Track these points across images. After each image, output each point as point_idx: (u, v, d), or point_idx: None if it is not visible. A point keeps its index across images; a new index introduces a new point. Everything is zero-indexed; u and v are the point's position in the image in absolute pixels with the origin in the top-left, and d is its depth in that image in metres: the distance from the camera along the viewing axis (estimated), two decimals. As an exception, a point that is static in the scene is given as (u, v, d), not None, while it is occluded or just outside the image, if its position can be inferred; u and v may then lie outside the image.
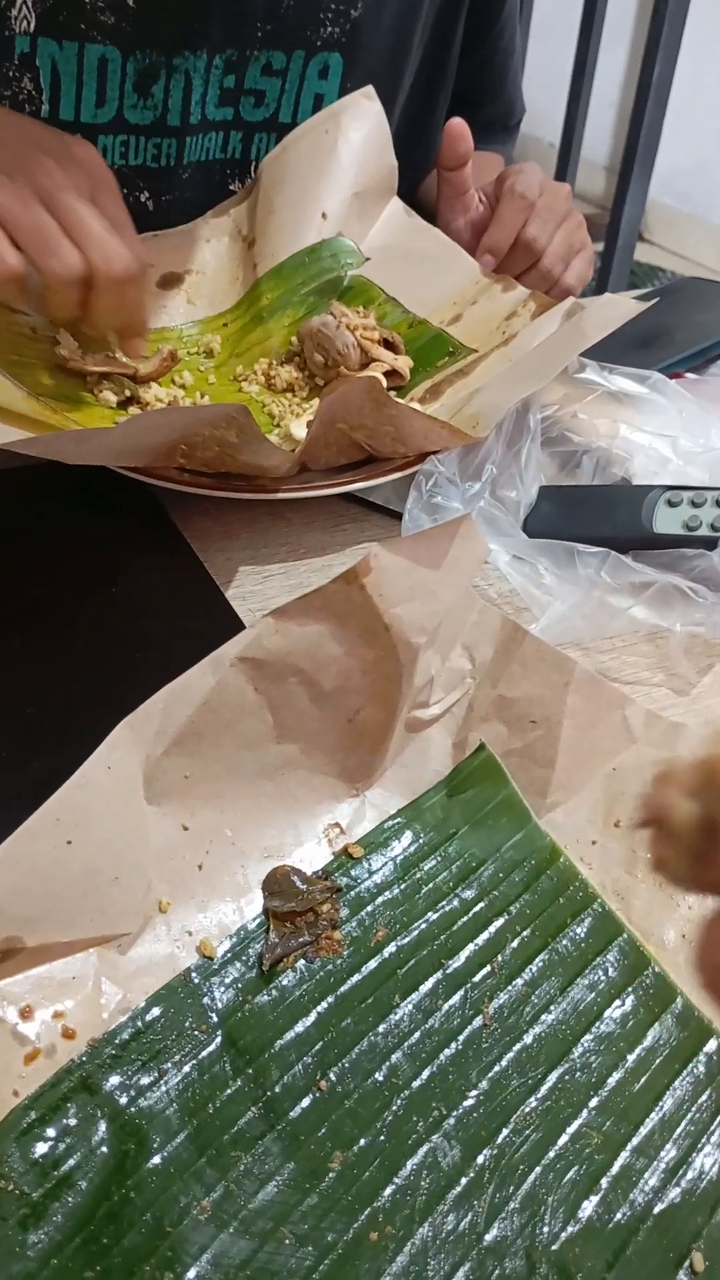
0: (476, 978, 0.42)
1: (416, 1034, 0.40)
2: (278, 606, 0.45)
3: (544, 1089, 0.39)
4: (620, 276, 2.29)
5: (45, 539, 0.61)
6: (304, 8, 0.81)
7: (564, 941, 0.43)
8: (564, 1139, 0.38)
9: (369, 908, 0.43)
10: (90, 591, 0.58)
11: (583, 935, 0.43)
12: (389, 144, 0.85)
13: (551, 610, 0.57)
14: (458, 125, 0.81)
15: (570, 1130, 0.38)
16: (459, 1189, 0.36)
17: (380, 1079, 0.39)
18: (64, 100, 0.78)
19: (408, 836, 0.46)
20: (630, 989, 0.42)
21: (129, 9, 0.75)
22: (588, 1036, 0.40)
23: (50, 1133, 0.37)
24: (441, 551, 0.46)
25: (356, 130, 0.84)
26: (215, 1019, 0.40)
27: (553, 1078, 0.39)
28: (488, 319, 0.79)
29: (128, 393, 0.72)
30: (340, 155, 0.84)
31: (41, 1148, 0.36)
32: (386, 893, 0.44)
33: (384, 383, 0.75)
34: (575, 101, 2.28)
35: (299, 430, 0.73)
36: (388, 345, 0.78)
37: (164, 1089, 0.38)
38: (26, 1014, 0.38)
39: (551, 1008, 0.41)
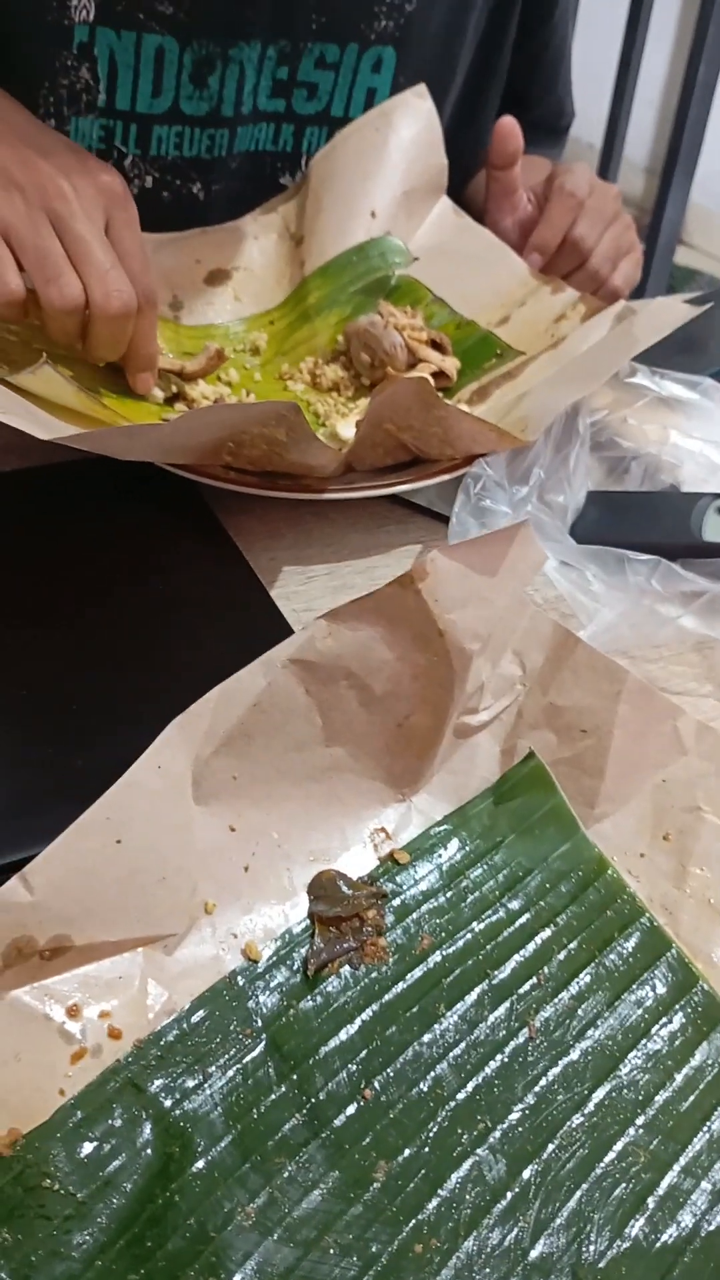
0: (522, 989, 0.41)
1: (461, 1045, 0.40)
2: (331, 609, 0.44)
3: (590, 1105, 0.38)
4: (660, 279, 2.27)
5: (92, 535, 0.61)
6: (359, 0, 0.80)
7: (611, 956, 0.42)
8: (610, 1156, 0.37)
9: (414, 915, 0.43)
10: (137, 589, 0.58)
11: (630, 950, 0.42)
12: (440, 143, 0.84)
13: (599, 618, 0.57)
14: (508, 124, 0.81)
15: (617, 1147, 0.37)
16: (504, 1204, 0.36)
17: (425, 1089, 0.39)
18: (120, 90, 0.77)
19: (454, 844, 0.45)
20: (679, 1006, 0.41)
21: None
22: (635, 1053, 0.40)
23: (96, 1133, 0.36)
24: (499, 557, 0.46)
25: (407, 128, 0.83)
26: (259, 1023, 0.40)
27: (599, 1094, 0.39)
28: (536, 321, 0.78)
29: (174, 389, 0.72)
30: (390, 154, 0.83)
31: (87, 1148, 0.36)
32: (432, 900, 0.43)
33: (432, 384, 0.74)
34: (619, 102, 2.25)
35: (345, 430, 0.72)
36: (435, 346, 0.78)
37: (208, 1093, 0.38)
38: (73, 1013, 0.38)
39: (598, 1023, 0.41)
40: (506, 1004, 0.41)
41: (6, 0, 0.73)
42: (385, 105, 0.83)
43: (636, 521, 0.64)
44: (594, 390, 0.64)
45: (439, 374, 0.76)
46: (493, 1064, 0.39)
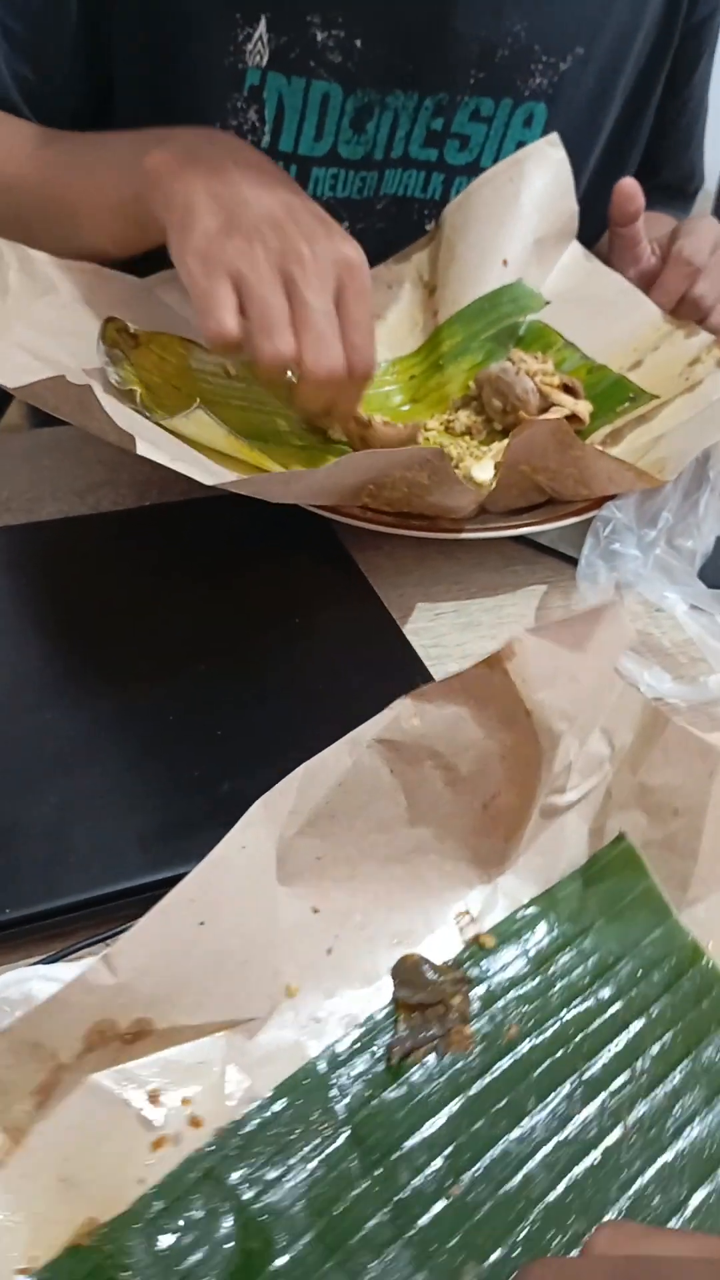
0: (614, 1085, 0.37)
1: (552, 1142, 0.36)
2: (418, 689, 0.41)
3: (689, 1209, 0.35)
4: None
5: (233, 567, 0.61)
6: (517, 58, 0.78)
7: (708, 1050, 0.38)
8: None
9: (501, 1002, 0.40)
10: (278, 621, 0.57)
11: (730, 1045, 0.38)
12: (570, 189, 0.80)
13: (729, 665, 0.52)
14: (628, 185, 0.77)
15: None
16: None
17: (515, 1188, 0.35)
18: (285, 133, 0.77)
19: (542, 928, 0.42)
20: (783, 1108, 0.36)
21: (356, 50, 0.74)
22: (734, 1158, 0.35)
23: (176, 1225, 0.35)
24: (587, 636, 0.42)
25: (539, 177, 0.80)
26: (343, 1114, 0.37)
27: (697, 1197, 0.35)
28: (669, 365, 0.73)
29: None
30: (523, 203, 0.80)
31: (166, 1240, 0.34)
32: (519, 987, 0.40)
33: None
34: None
35: (478, 472, 0.70)
36: (567, 390, 0.74)
37: (290, 1185, 0.36)
38: (154, 1098, 0.37)
39: (695, 1121, 0.36)
40: (599, 1100, 0.37)
41: (186, 44, 0.74)
42: (518, 154, 0.80)
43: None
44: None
45: (572, 417, 0.72)
46: (585, 1163, 0.36)
